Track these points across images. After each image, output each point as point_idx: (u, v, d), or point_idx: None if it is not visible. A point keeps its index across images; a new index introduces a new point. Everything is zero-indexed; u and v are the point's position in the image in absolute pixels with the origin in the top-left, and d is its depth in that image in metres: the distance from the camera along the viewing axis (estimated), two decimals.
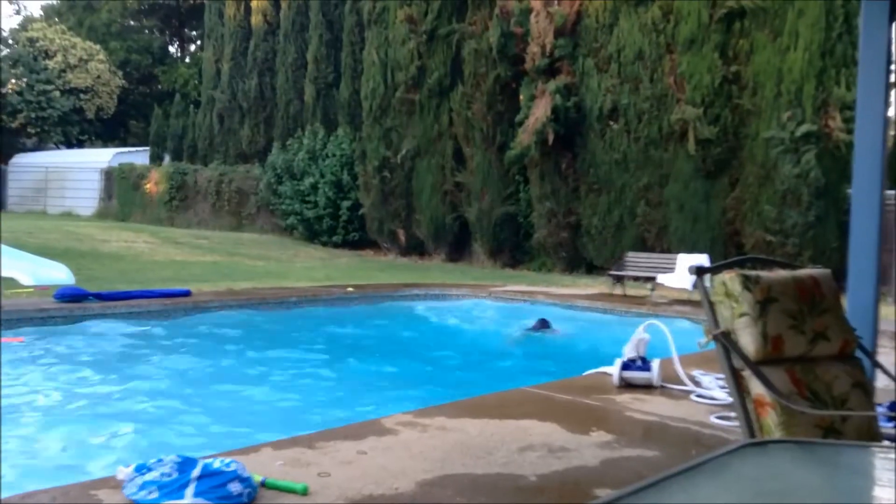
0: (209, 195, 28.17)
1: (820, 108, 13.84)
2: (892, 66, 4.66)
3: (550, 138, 16.91)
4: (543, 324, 9.82)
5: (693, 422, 4.49)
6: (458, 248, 20.42)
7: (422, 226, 20.65)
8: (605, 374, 5.54)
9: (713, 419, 4.51)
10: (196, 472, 3.05)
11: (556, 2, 17.44)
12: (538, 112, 17.16)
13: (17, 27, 39.54)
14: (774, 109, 14.33)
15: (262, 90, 27.95)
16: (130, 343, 8.38)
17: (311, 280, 14.07)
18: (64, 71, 35.88)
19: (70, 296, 9.59)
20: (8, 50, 37.26)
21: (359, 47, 22.80)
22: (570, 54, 17.35)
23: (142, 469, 3.13)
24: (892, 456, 1.70)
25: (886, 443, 3.04)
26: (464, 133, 19.54)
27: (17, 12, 42.36)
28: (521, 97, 18.06)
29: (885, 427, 3.32)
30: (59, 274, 9.26)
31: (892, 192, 11.79)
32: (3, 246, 10.26)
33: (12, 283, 8.96)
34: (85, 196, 32.50)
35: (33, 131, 36.20)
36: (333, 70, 24.99)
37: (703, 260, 12.48)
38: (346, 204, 22.47)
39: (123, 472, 3.18)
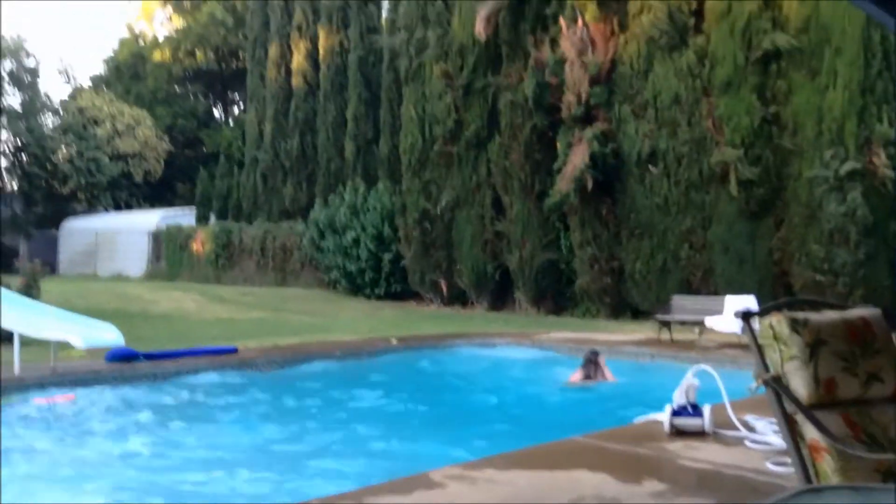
0: (254, 253, 28.63)
1: (863, 146, 13.67)
2: None
3: (589, 185, 16.92)
4: (594, 355, 9.59)
5: (748, 469, 4.39)
6: (500, 297, 20.38)
7: (463, 276, 20.70)
8: (655, 421, 5.45)
9: (769, 465, 4.39)
10: None
11: (590, 51, 17.60)
12: (576, 159, 17.22)
13: (67, 98, 41.03)
14: (816, 148, 14.19)
15: (303, 149, 28.56)
16: (176, 402, 8.49)
17: (355, 333, 14.14)
18: (112, 137, 37.06)
19: (121, 356, 9.77)
20: (59, 119, 38.64)
21: (397, 104, 23.22)
22: (605, 101, 17.44)
23: None
24: None
25: None
26: (502, 183, 19.66)
27: (67, 82, 43.94)
28: (559, 145, 18.15)
29: None
30: (109, 335, 9.45)
31: None
32: (56, 309, 10.53)
33: (66, 345, 9.16)
34: (134, 258, 33.21)
35: (83, 197, 37.29)
36: (373, 127, 25.47)
37: (750, 302, 12.27)
38: (387, 257, 22.65)
39: None
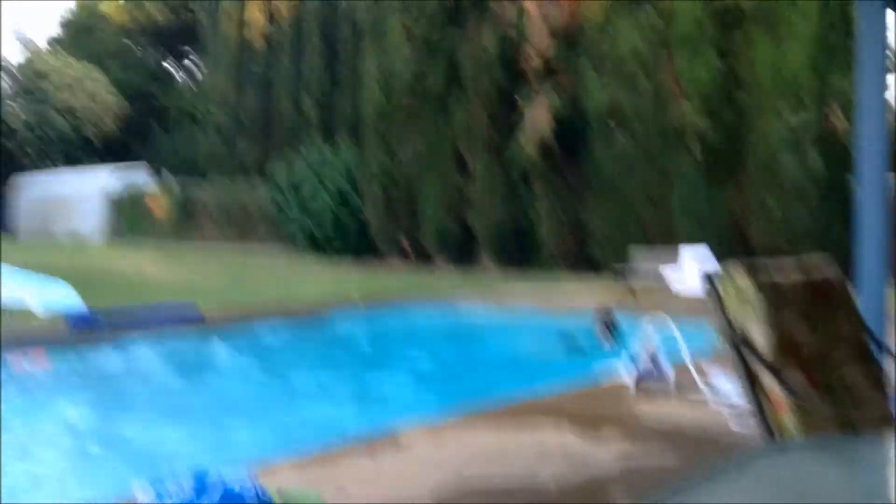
0: (213, 212, 28.22)
1: (820, 100, 13.82)
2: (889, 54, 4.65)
3: (552, 142, 16.91)
4: (607, 322, 9.36)
5: (710, 424, 4.48)
6: (463, 255, 20.39)
7: (426, 234, 20.65)
8: (620, 381, 5.53)
9: (730, 421, 4.49)
10: (216, 496, 3.05)
11: (551, 6, 17.44)
12: (538, 115, 17.18)
13: (21, 61, 39.54)
14: (774, 103, 14.31)
15: (262, 105, 28.02)
16: (140, 363, 8.40)
17: (318, 292, 14.08)
18: (61, 91, 35.96)
19: (85, 323, 9.54)
20: (7, 77, 37.32)
21: (357, 58, 22.85)
22: (567, 57, 17.36)
23: (159, 490, 3.12)
24: None
25: None
26: (465, 140, 19.55)
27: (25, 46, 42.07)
28: (520, 101, 18.07)
29: None
30: (61, 292, 9.22)
31: None
32: (5, 266, 10.25)
33: (27, 314, 8.93)
34: (91, 218, 32.54)
35: (32, 152, 36.26)
36: (332, 82, 25.04)
37: (704, 252, 12.52)
38: (350, 214, 22.48)
39: (143, 494, 3.17)
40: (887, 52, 4.55)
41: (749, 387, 2.86)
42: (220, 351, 9.08)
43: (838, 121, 13.46)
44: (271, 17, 27.54)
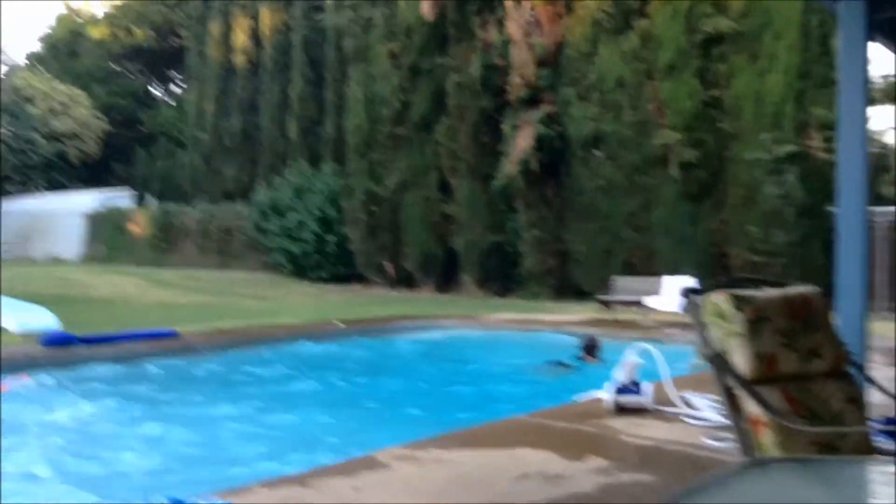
0: (196, 235, 28.10)
1: (800, 129, 13.99)
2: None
3: (535, 167, 17.00)
4: (591, 345, 9.33)
5: (688, 444, 4.46)
6: (447, 279, 20.40)
7: (410, 258, 20.65)
8: (597, 399, 5.50)
9: (707, 441, 4.48)
10: None
11: (536, 33, 17.63)
12: (522, 142, 17.29)
13: (2, 77, 39.52)
14: (755, 131, 14.48)
15: (246, 129, 28.05)
16: (115, 387, 8.28)
17: (301, 317, 14.00)
18: (47, 116, 35.87)
19: (57, 340, 9.49)
20: None
21: (342, 84, 22.95)
22: (551, 84, 17.52)
23: None
24: (890, 470, 1.69)
25: (883, 457, 3.03)
26: (449, 165, 19.63)
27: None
28: (505, 128, 18.18)
29: (879, 442, 3.31)
30: (44, 319, 9.17)
31: (876, 208, 11.88)
32: None
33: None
34: (71, 241, 32.33)
35: (17, 178, 36.08)
36: (317, 107, 25.12)
37: (688, 282, 12.50)
38: (333, 239, 22.45)
39: None
40: (868, 83, 4.61)
41: (729, 405, 2.85)
42: (191, 378, 8.96)
43: (817, 147, 13.62)
44: (257, 42, 27.65)
